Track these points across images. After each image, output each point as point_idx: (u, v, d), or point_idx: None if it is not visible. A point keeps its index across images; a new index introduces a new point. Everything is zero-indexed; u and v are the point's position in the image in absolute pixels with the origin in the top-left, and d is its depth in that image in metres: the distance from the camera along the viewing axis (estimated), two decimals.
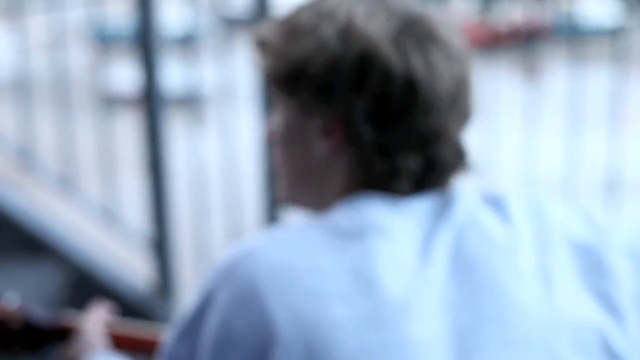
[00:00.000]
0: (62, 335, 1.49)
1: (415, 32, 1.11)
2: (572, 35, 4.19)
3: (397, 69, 1.09)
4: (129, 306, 3.12)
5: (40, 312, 1.50)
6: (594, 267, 1.09)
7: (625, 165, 3.98)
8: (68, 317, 1.50)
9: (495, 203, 1.13)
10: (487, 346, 1.00)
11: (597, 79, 4.59)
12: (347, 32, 1.10)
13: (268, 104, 3.20)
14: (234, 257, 1.05)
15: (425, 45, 1.11)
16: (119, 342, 1.47)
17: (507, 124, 4.16)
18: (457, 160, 1.14)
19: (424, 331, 0.99)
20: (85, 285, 3.18)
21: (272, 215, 3.33)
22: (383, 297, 1.00)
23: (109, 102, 4.08)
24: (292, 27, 1.14)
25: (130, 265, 3.39)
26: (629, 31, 4.06)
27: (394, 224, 1.06)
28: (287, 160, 1.19)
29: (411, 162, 1.11)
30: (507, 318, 1.02)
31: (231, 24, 4.19)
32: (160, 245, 3.30)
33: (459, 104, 1.13)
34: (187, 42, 3.87)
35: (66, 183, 3.31)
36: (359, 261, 1.02)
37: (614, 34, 3.83)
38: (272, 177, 3.29)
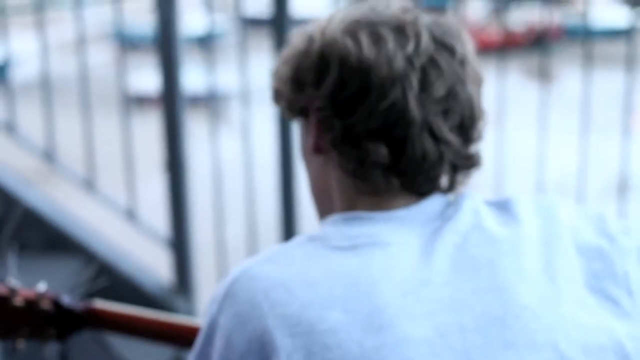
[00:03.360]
0: (92, 319, 1.53)
1: (372, 20, 1.14)
2: (585, 37, 4.22)
3: (352, 56, 1.12)
4: (150, 304, 3.17)
5: (69, 297, 1.53)
6: (605, 272, 1.10)
7: (637, 168, 4.00)
8: (96, 302, 1.54)
9: (502, 205, 1.14)
10: (489, 346, 1.00)
11: (610, 81, 4.61)
12: (312, 36, 1.17)
13: None
14: (230, 280, 1.08)
15: (380, 30, 1.12)
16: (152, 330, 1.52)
17: (519, 125, 4.19)
18: (442, 154, 1.12)
19: (423, 331, 1.00)
20: (107, 282, 3.23)
21: (289, 214, 3.36)
22: (379, 299, 1.01)
23: (132, 102, 4.12)
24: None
25: (150, 263, 3.43)
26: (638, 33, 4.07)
27: (388, 235, 1.08)
28: (306, 176, 1.24)
29: (380, 149, 1.11)
30: (510, 318, 1.02)
31: (250, 25, 4.22)
32: (179, 244, 3.34)
33: (432, 89, 1.11)
34: (207, 42, 3.92)
35: (89, 182, 3.35)
36: (353, 269, 1.04)
37: (627, 35, 3.85)
38: (289, 177, 3.32)
